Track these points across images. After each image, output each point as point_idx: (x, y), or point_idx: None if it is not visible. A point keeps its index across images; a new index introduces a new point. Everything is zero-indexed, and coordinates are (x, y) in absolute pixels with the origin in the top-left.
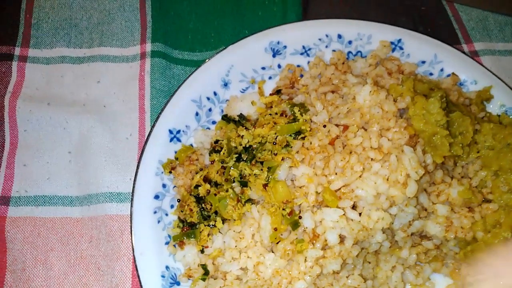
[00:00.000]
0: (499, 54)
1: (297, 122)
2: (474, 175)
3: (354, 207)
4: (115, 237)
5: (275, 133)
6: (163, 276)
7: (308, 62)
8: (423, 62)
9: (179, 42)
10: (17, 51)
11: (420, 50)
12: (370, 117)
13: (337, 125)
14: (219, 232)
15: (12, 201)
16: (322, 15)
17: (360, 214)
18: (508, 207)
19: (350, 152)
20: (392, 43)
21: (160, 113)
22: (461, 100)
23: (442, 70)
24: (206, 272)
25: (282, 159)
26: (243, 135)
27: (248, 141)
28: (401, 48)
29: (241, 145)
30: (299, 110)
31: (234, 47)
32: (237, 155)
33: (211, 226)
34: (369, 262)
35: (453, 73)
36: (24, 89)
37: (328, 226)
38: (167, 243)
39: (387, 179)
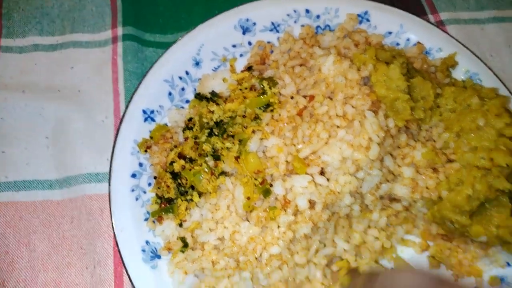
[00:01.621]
0: (464, 23)
1: (265, 96)
2: (438, 138)
3: (322, 173)
4: (95, 216)
5: (245, 107)
6: (143, 251)
7: (278, 38)
8: (390, 33)
9: (150, 25)
10: None
11: (386, 22)
12: (335, 86)
13: (304, 96)
14: (196, 206)
15: None
16: None
17: (328, 179)
18: (469, 166)
19: (317, 121)
20: (359, 15)
21: (133, 94)
22: (425, 67)
23: (408, 40)
24: (185, 244)
25: (253, 131)
26: (213, 111)
27: (219, 116)
28: (368, 20)
29: (212, 120)
30: (267, 84)
31: (204, 26)
32: (209, 130)
33: (188, 200)
34: (343, 227)
35: (418, 42)
36: None
37: (298, 192)
38: (146, 219)
39: (352, 144)
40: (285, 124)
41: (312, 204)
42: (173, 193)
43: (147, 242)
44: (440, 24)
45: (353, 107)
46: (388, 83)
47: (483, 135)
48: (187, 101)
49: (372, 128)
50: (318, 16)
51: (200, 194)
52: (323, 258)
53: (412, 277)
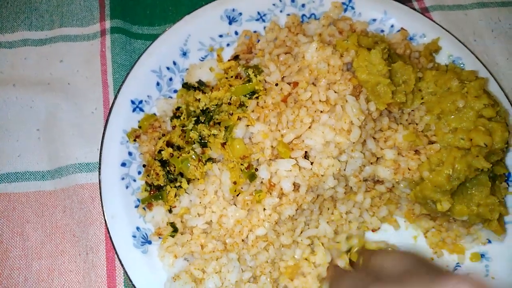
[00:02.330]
0: (448, 9)
1: (251, 83)
2: (420, 121)
3: (306, 157)
4: (87, 204)
5: (231, 95)
6: (134, 236)
7: (264, 27)
8: (374, 20)
9: (137, 17)
10: None
11: (371, 9)
12: (318, 73)
13: (289, 83)
14: (185, 192)
15: None
16: None
17: (312, 163)
18: (449, 146)
19: (300, 107)
20: (343, 3)
21: (121, 85)
22: (407, 52)
23: (392, 26)
24: (175, 229)
25: (239, 118)
26: (200, 99)
27: (205, 104)
28: (352, 8)
29: (198, 108)
30: (253, 72)
31: (190, 17)
32: (195, 118)
33: (177, 187)
34: (328, 209)
35: (402, 28)
36: None
37: (282, 176)
38: (136, 206)
39: (334, 128)
40: (270, 110)
41: (296, 186)
42: (162, 180)
43: (137, 228)
44: (424, 11)
45: (335, 92)
46: (370, 68)
47: (462, 117)
48: (175, 91)
49: (353, 111)
50: (303, 5)
51: (188, 181)
52: (306, 238)
53: (401, 256)
